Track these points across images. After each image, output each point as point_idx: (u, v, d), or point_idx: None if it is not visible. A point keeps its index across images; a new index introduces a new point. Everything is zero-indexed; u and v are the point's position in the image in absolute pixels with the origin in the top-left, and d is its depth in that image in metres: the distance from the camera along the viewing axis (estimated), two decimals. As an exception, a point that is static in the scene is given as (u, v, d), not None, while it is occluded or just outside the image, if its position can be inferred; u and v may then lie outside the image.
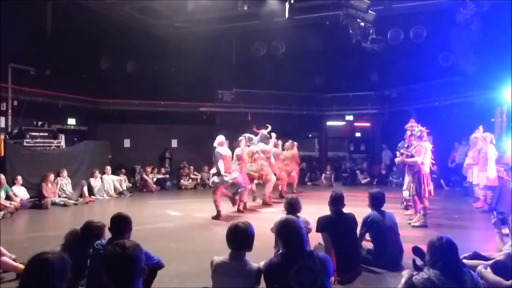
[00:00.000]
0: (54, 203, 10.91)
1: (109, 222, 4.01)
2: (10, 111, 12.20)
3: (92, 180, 12.71)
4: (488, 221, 5.95)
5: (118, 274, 2.36)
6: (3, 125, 12.00)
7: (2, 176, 9.88)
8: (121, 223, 3.99)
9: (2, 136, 10.95)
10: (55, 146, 12.38)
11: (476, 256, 4.43)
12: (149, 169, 14.65)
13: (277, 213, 8.52)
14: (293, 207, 5.16)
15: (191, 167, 15.46)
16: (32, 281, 2.44)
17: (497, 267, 3.88)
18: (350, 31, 12.14)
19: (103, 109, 15.77)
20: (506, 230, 5.23)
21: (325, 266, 3.27)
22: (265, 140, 11.04)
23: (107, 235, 4.06)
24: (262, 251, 4.70)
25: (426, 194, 8.05)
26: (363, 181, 16.39)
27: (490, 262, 4.04)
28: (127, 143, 16.07)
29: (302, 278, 3.17)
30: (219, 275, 3.42)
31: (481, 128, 10.29)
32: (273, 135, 11.37)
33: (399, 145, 9.10)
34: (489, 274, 3.84)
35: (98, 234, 4.17)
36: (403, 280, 3.32)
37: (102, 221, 4.34)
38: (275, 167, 11.55)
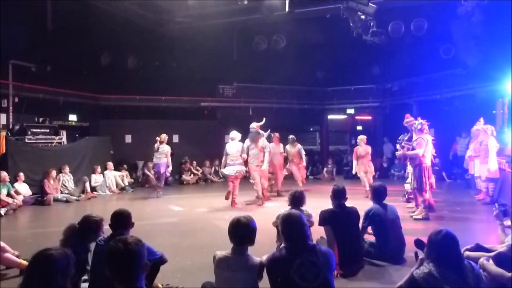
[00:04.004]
0: (56, 199, 10.95)
1: (110, 219, 4.02)
2: (11, 107, 12.22)
3: (94, 176, 12.74)
4: (490, 213, 5.96)
5: (121, 269, 2.36)
6: (4, 122, 12.02)
7: (5, 173, 9.91)
8: (121, 219, 4.00)
9: (4, 133, 10.97)
10: (56, 142, 12.40)
11: (478, 248, 4.43)
12: (151, 165, 14.63)
13: (279, 207, 8.53)
14: (296, 200, 5.17)
15: (194, 162, 15.48)
16: (36, 277, 2.45)
17: (499, 259, 3.88)
18: (351, 24, 12.11)
19: (104, 105, 15.77)
20: (508, 222, 5.23)
21: (327, 260, 3.28)
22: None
23: (108, 230, 4.06)
24: (265, 245, 4.72)
25: (427, 187, 8.05)
26: (365, 175, 16.36)
27: (492, 254, 4.04)
28: (128, 138, 16.06)
29: (305, 272, 3.18)
30: (222, 270, 3.44)
31: (481, 120, 10.26)
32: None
33: (399, 138, 9.09)
34: (491, 266, 3.84)
35: (96, 228, 4.18)
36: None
37: (100, 215, 4.34)
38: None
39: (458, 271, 3.12)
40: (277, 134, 12.01)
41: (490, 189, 9.75)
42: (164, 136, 11.94)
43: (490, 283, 3.73)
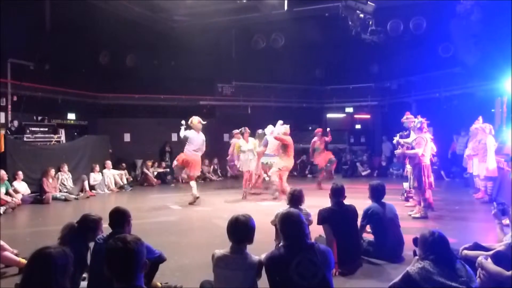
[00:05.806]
0: (55, 198, 10.93)
1: (108, 217, 4.02)
2: (9, 106, 12.19)
3: (92, 174, 12.73)
4: (488, 212, 5.95)
5: (120, 268, 2.37)
6: (3, 121, 11.99)
7: (3, 172, 9.89)
8: (119, 217, 3.99)
9: (3, 132, 10.94)
10: (55, 141, 12.37)
11: (476, 246, 4.44)
12: (149, 163, 14.66)
13: (278, 205, 8.53)
14: (295, 198, 5.18)
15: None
16: (34, 275, 2.45)
17: (498, 258, 3.89)
18: (350, 22, 12.12)
19: (103, 104, 15.76)
20: (506, 221, 5.23)
21: (326, 258, 3.28)
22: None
23: (107, 229, 4.06)
24: (263, 244, 4.72)
25: (427, 186, 8.06)
26: (364, 173, 16.39)
27: (491, 252, 4.04)
28: (127, 137, 16.06)
29: (303, 270, 3.18)
30: (220, 268, 3.43)
31: (480, 118, 10.27)
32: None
33: (394, 138, 9.09)
34: (489, 264, 3.85)
35: (94, 227, 4.16)
36: None
37: (98, 215, 4.33)
38: None
39: (452, 267, 3.22)
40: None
41: (489, 187, 9.75)
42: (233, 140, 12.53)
43: (489, 282, 3.74)
